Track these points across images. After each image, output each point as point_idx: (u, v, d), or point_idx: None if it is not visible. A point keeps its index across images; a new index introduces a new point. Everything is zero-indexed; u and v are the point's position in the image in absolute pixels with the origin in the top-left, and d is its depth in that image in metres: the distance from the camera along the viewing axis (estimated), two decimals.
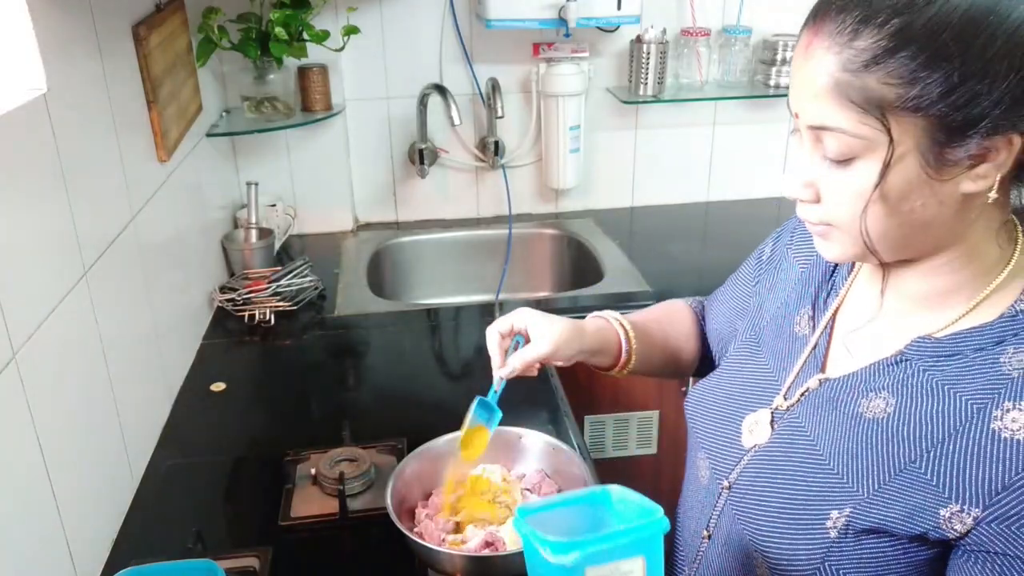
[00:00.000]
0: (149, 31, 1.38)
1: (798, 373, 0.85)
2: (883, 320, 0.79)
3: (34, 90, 0.95)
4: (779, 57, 2.04)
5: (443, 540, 1.00)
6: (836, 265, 0.88)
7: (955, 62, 0.62)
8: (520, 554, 0.94)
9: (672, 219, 2.20)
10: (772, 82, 2.06)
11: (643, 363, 1.03)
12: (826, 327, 0.85)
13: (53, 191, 1.01)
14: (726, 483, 0.85)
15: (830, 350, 0.84)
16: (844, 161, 0.68)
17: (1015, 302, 0.71)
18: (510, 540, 0.98)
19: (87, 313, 1.09)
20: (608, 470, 1.76)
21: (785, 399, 0.84)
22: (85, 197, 1.09)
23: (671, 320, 1.10)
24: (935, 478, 0.68)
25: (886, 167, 0.65)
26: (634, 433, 1.78)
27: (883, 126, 0.64)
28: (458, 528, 1.03)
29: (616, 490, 0.72)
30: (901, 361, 0.75)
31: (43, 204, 0.99)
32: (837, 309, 0.85)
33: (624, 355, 1.02)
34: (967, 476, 0.67)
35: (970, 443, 0.68)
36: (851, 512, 0.72)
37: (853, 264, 0.86)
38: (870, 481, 0.72)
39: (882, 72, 0.63)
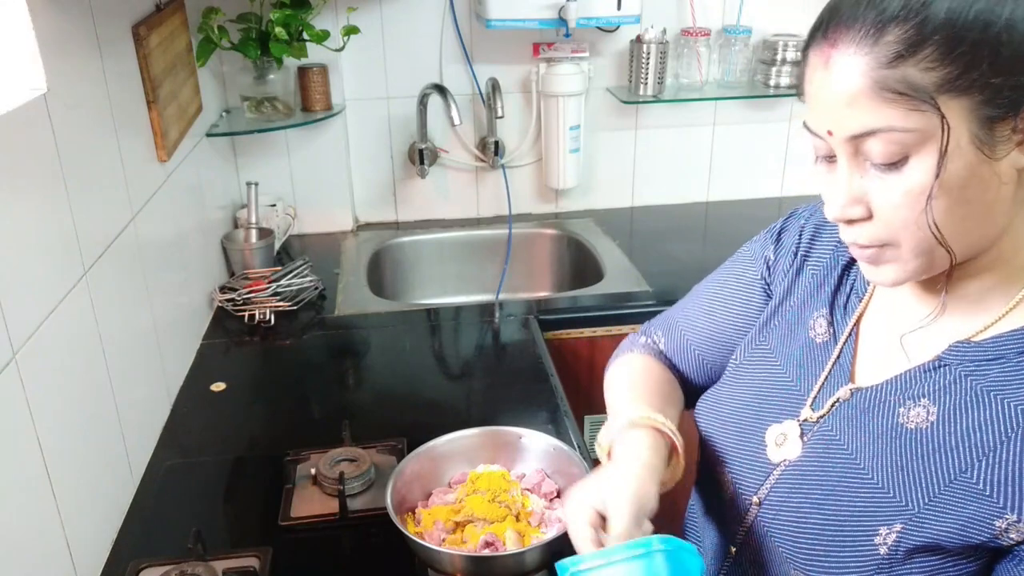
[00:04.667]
0: (149, 31, 1.38)
1: (824, 382, 0.81)
2: (916, 325, 0.76)
3: (34, 90, 0.95)
4: (779, 57, 2.04)
5: (443, 540, 1.00)
6: (850, 266, 0.85)
7: (989, 34, 0.60)
8: (519, 553, 0.95)
9: (672, 219, 2.20)
10: (772, 82, 2.06)
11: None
12: (850, 333, 0.82)
13: (53, 191, 1.01)
14: (755, 499, 0.82)
15: (857, 357, 0.81)
16: (895, 164, 0.65)
17: None
18: (509, 540, 0.98)
19: (87, 313, 1.09)
20: None
21: (813, 410, 0.81)
22: (85, 197, 1.09)
23: (673, 389, 0.98)
24: (988, 488, 0.66)
25: (943, 155, 0.62)
26: None
27: (936, 111, 0.62)
28: (458, 528, 1.03)
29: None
30: (939, 367, 0.72)
31: (43, 204, 0.99)
32: (861, 314, 0.82)
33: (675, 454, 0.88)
34: (1022, 484, 0.65)
35: (1022, 450, 0.66)
36: (902, 528, 0.69)
37: None
38: (919, 494, 0.70)
39: (918, 59, 0.61)
